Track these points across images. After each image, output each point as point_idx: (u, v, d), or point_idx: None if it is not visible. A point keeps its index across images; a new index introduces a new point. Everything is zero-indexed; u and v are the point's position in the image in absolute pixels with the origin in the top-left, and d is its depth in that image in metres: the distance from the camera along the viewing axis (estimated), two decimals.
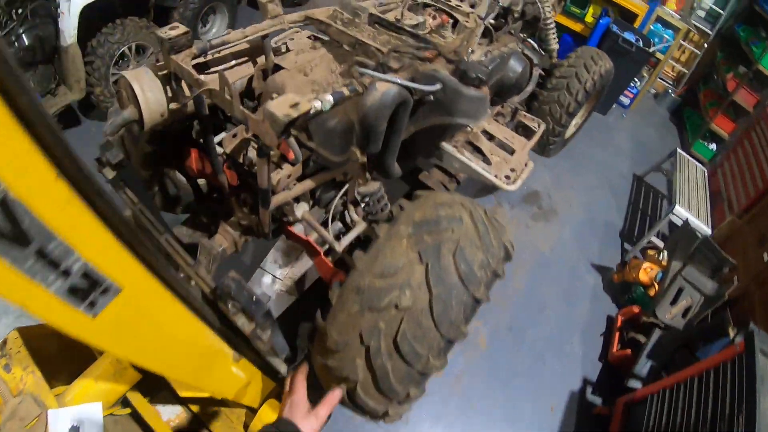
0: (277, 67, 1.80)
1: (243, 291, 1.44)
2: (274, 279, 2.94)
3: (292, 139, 1.64)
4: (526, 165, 2.47)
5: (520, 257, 3.63)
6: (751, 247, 3.36)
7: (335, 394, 1.38)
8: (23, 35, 2.82)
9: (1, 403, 1.55)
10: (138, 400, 1.99)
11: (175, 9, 3.70)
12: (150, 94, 1.53)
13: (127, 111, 1.54)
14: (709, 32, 6.15)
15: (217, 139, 1.95)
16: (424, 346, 1.55)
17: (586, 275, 3.75)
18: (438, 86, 1.59)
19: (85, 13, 2.92)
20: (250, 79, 1.86)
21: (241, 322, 1.43)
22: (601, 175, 4.61)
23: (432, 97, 1.64)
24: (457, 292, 1.57)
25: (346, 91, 1.45)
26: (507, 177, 2.38)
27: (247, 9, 5.10)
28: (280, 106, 1.22)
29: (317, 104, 1.32)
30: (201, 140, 1.87)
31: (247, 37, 1.71)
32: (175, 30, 1.50)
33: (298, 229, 2.10)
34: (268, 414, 1.62)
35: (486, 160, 2.42)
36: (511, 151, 2.56)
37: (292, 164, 1.81)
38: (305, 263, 2.86)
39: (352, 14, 1.85)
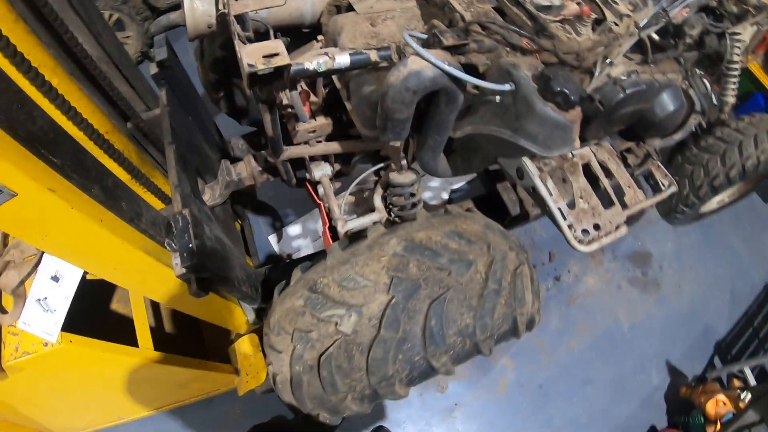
0: (350, 8, 1.46)
1: (185, 234, 1.28)
2: None
3: (295, 93, 1.36)
4: (617, 228, 1.91)
5: (592, 319, 3.07)
6: None
7: None
8: None
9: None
10: None
11: None
12: (198, 3, 1.39)
13: (175, 14, 1.43)
14: None
15: None
16: (345, 383, 1.26)
17: (654, 372, 3.08)
18: (507, 87, 1.14)
19: None
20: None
21: (176, 261, 1.29)
22: (729, 270, 3.68)
23: (497, 99, 1.19)
24: (411, 347, 1.22)
25: (373, 56, 1.10)
26: (585, 232, 1.85)
27: None
28: (252, 54, 0.97)
29: (315, 62, 1.00)
30: None
31: None
32: None
33: (320, 190, 1.85)
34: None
35: (571, 202, 1.90)
36: (610, 202, 1.99)
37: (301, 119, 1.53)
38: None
39: None
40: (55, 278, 1.48)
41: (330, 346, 1.23)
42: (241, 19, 1.31)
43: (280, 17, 1.53)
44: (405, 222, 1.39)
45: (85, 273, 1.53)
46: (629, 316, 3.20)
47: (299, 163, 1.74)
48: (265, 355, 1.60)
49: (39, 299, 1.45)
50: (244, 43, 1.06)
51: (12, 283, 1.48)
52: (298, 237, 2.77)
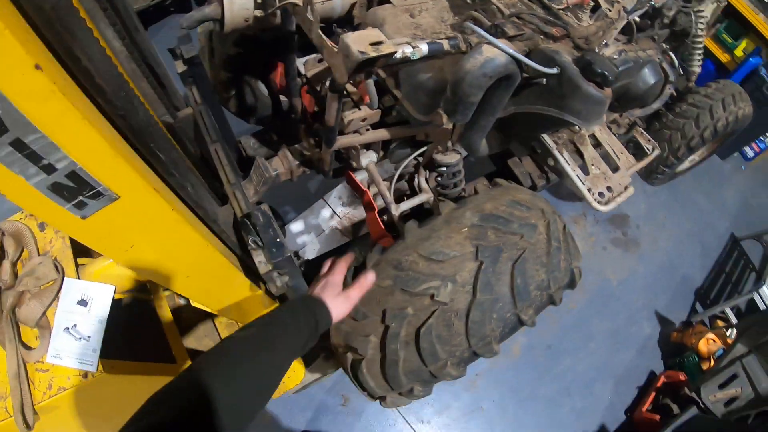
0: (383, 0, 1.54)
1: (270, 228, 1.28)
2: (333, 214, 2.79)
3: (370, 81, 1.42)
4: (626, 188, 2.11)
5: (584, 279, 3.20)
6: None
7: (368, 278, 1.20)
8: None
9: (27, 257, 1.53)
10: (154, 287, 1.95)
11: None
12: None
13: (209, 8, 1.37)
14: None
15: (302, 60, 1.76)
16: (445, 350, 1.33)
17: (645, 322, 3.33)
18: (555, 70, 1.27)
19: None
20: (354, 5, 1.61)
21: (259, 259, 1.29)
22: (697, 224, 4.03)
23: (544, 81, 1.32)
24: (503, 305, 1.31)
25: (446, 45, 1.18)
26: (601, 195, 2.03)
27: None
28: (358, 41, 0.99)
29: (407, 50, 1.08)
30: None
31: None
32: None
33: (360, 178, 1.89)
34: None
35: (584, 169, 2.07)
36: (615, 168, 2.19)
37: (370, 108, 1.58)
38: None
39: None
40: (83, 302, 1.33)
41: (428, 318, 1.30)
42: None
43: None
44: (467, 197, 1.49)
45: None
46: (616, 274, 3.44)
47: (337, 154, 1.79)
48: (333, 345, 1.64)
49: (67, 328, 1.30)
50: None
51: (34, 315, 1.34)
52: (302, 233, 2.74)
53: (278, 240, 1.27)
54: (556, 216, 1.52)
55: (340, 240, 2.68)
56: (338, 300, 1.11)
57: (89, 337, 1.28)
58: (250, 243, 1.30)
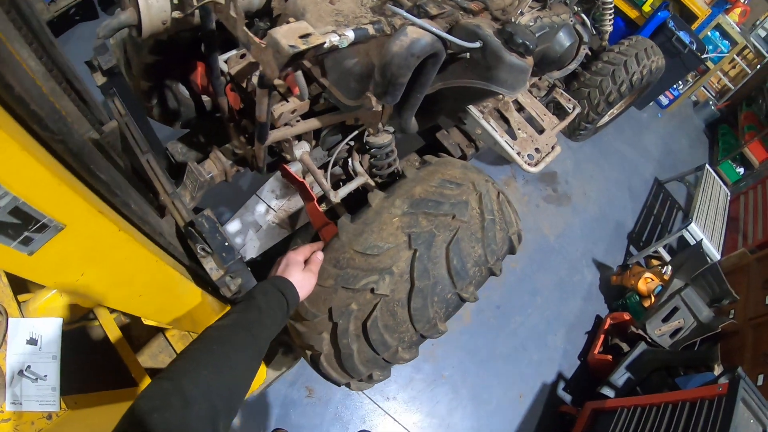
0: None
1: (216, 233, 1.22)
2: (268, 209, 2.68)
3: (299, 73, 1.35)
4: (552, 148, 2.13)
5: (524, 237, 3.34)
6: (754, 287, 3.03)
7: (318, 255, 1.29)
8: None
9: None
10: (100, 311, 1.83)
11: None
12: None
13: (124, 14, 1.25)
14: (766, 54, 5.53)
15: (224, 57, 1.65)
16: (394, 338, 1.30)
17: (585, 270, 3.46)
18: (478, 44, 1.26)
19: None
20: None
21: (210, 266, 1.23)
22: (622, 172, 4.20)
23: (468, 56, 1.30)
24: (442, 288, 1.29)
25: (371, 30, 1.13)
26: (530, 156, 2.04)
27: None
28: (287, 35, 0.94)
29: (334, 39, 1.03)
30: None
31: None
32: None
33: (294, 169, 1.82)
34: None
35: (511, 134, 2.08)
36: (540, 130, 2.20)
37: (299, 99, 1.51)
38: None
39: None
40: (33, 341, 1.23)
41: (372, 311, 1.27)
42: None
43: None
44: (395, 182, 1.45)
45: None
46: (552, 229, 3.53)
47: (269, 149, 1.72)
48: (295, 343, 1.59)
49: (22, 371, 1.20)
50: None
51: None
52: (240, 233, 2.64)
53: (227, 244, 1.21)
54: (489, 185, 1.50)
55: (279, 234, 2.60)
56: (303, 276, 1.15)
57: (46, 376, 1.20)
58: (198, 251, 1.24)
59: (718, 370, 2.38)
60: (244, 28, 1.10)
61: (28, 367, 1.20)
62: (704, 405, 2.02)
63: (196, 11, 1.30)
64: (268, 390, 2.35)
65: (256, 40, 1.03)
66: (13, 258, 0.70)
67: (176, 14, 1.30)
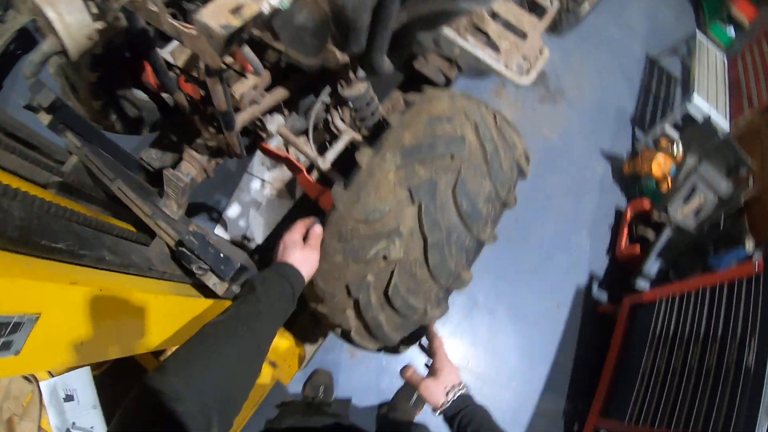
0: None
1: (208, 247, 1.14)
2: (263, 183, 2.57)
3: (246, 48, 1.19)
4: (541, 52, 1.93)
5: (527, 143, 3.19)
6: None
7: (316, 228, 1.21)
8: None
9: None
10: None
11: None
12: (69, 18, 1.07)
13: (45, 43, 1.09)
14: None
15: (168, 49, 1.48)
16: (419, 299, 1.21)
17: (595, 164, 3.31)
18: None
19: None
20: None
21: (212, 282, 1.17)
22: (612, 56, 3.93)
23: None
24: (458, 236, 1.18)
25: None
26: (519, 66, 1.86)
27: None
28: (216, 14, 0.79)
29: (273, 1, 0.86)
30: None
31: None
32: None
33: (275, 144, 1.68)
34: None
35: (493, 46, 1.88)
36: (522, 35, 2.00)
37: (257, 74, 1.35)
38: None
39: None
40: (69, 397, 1.25)
41: (390, 279, 1.17)
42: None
43: None
44: (381, 133, 1.31)
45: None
46: (553, 129, 3.35)
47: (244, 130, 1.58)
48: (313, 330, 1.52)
49: (68, 429, 1.23)
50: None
51: None
52: (242, 215, 2.55)
53: (222, 255, 1.14)
54: (482, 109, 1.35)
55: (281, 206, 2.49)
56: (302, 254, 1.10)
57: (92, 427, 1.23)
58: (195, 271, 1.17)
59: (749, 245, 2.29)
60: (169, 19, 0.93)
61: (73, 423, 1.22)
62: (743, 285, 1.96)
63: (120, 15, 1.13)
64: (312, 362, 2.33)
65: (185, 29, 0.87)
66: (3, 365, 0.65)
67: (99, 25, 1.13)
